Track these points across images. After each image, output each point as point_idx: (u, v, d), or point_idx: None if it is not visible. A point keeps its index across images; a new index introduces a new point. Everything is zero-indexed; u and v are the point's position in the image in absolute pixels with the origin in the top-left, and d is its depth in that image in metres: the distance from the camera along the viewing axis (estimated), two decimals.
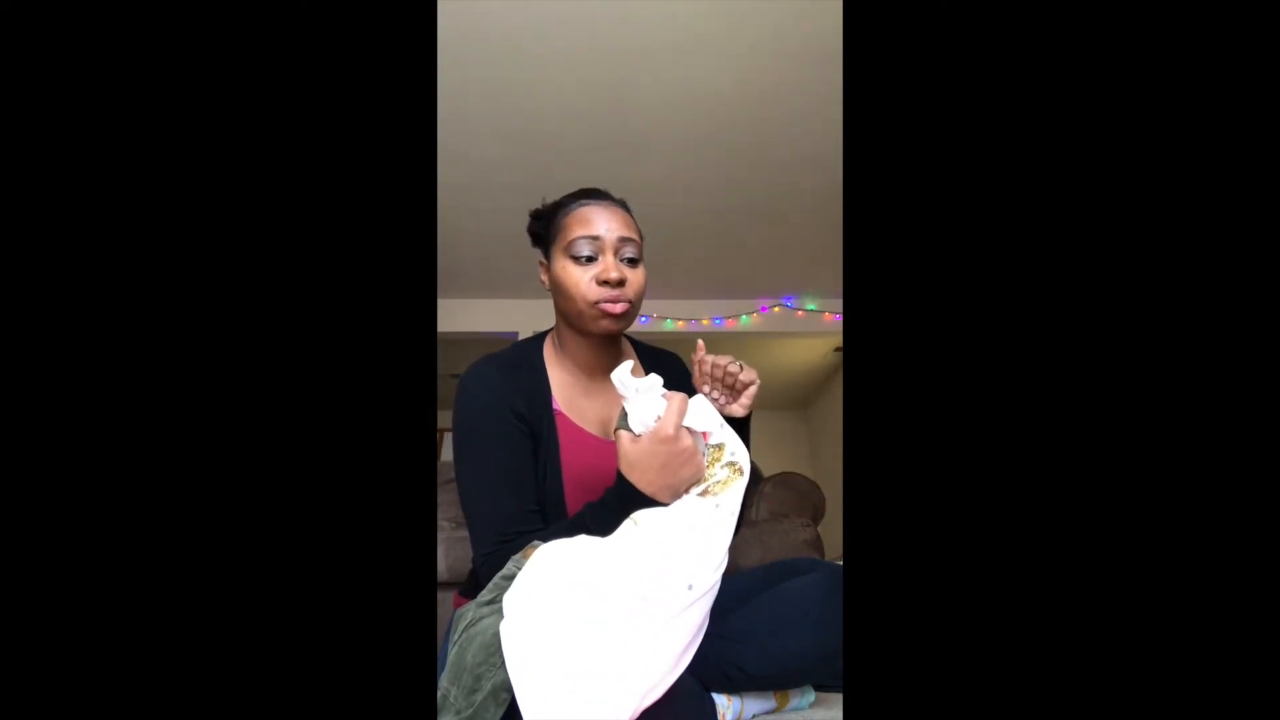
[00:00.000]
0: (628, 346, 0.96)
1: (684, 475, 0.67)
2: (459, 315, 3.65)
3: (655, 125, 2.38)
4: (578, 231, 0.80)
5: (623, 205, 0.87)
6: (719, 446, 0.70)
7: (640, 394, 0.69)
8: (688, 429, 0.68)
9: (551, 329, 0.92)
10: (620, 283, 0.80)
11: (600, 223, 0.81)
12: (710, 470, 0.69)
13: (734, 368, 0.78)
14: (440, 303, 3.56)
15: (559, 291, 0.83)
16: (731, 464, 0.69)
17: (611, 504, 0.70)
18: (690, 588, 0.62)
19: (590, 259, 0.80)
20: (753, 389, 0.79)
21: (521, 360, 0.87)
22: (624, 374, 0.70)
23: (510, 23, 1.90)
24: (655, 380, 0.70)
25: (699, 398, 0.71)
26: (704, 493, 0.68)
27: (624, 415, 0.70)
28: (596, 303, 0.80)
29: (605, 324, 0.81)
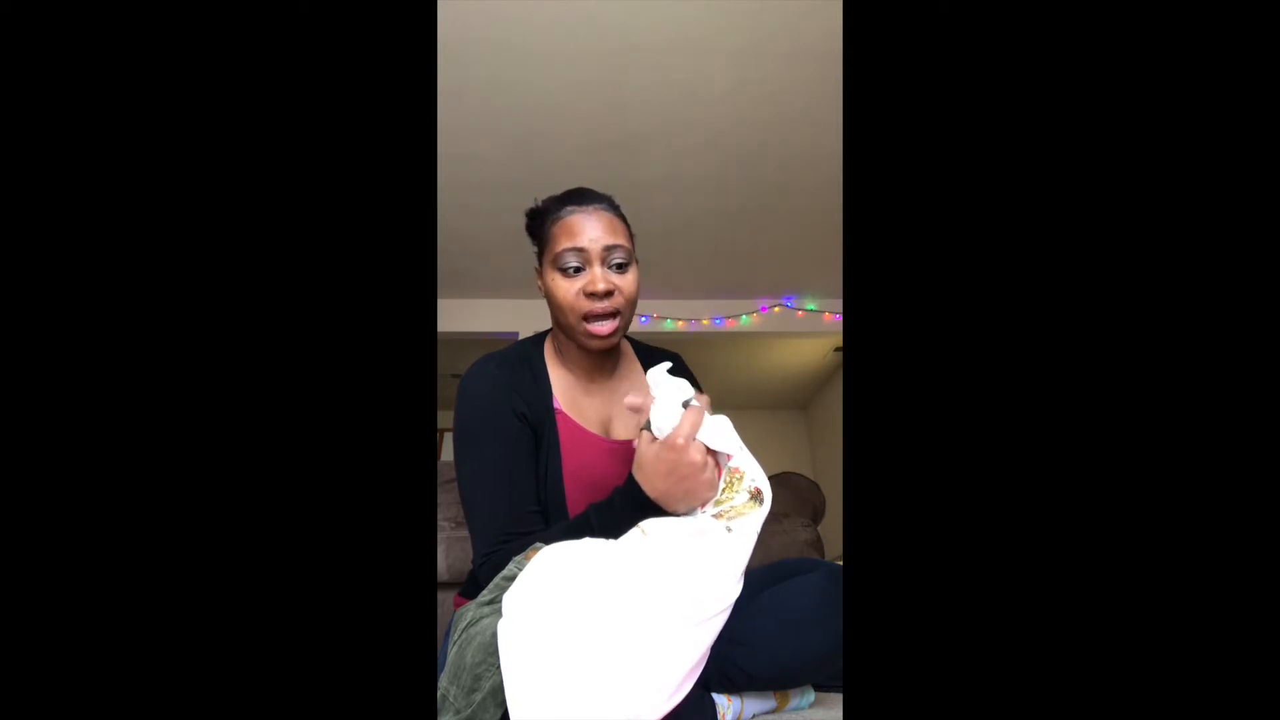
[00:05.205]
0: (627, 348, 0.96)
1: (690, 487, 0.66)
2: (459, 315, 3.65)
3: (655, 125, 2.38)
4: (563, 243, 0.79)
5: (610, 205, 0.84)
6: (740, 472, 0.68)
7: (664, 398, 0.68)
8: (707, 447, 0.67)
9: (552, 329, 0.92)
10: (608, 293, 0.79)
11: (585, 232, 0.79)
12: (727, 493, 0.67)
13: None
14: (440, 303, 3.56)
15: (550, 303, 0.83)
16: (752, 491, 0.67)
17: (617, 504, 0.70)
18: (694, 608, 0.61)
19: (577, 270, 0.79)
20: None
21: (522, 359, 0.87)
22: (659, 374, 0.70)
23: (509, 23, 1.90)
24: (679, 388, 0.69)
25: (721, 418, 0.69)
26: (719, 515, 0.66)
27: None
28: (585, 316, 0.79)
29: (594, 344, 0.81)
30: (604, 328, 0.79)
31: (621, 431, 0.88)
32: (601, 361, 0.88)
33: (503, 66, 2.07)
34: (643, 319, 3.65)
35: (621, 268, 0.81)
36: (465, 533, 1.58)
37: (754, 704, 0.83)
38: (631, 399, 0.71)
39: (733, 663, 0.77)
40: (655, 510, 0.67)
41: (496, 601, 0.66)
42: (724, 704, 0.79)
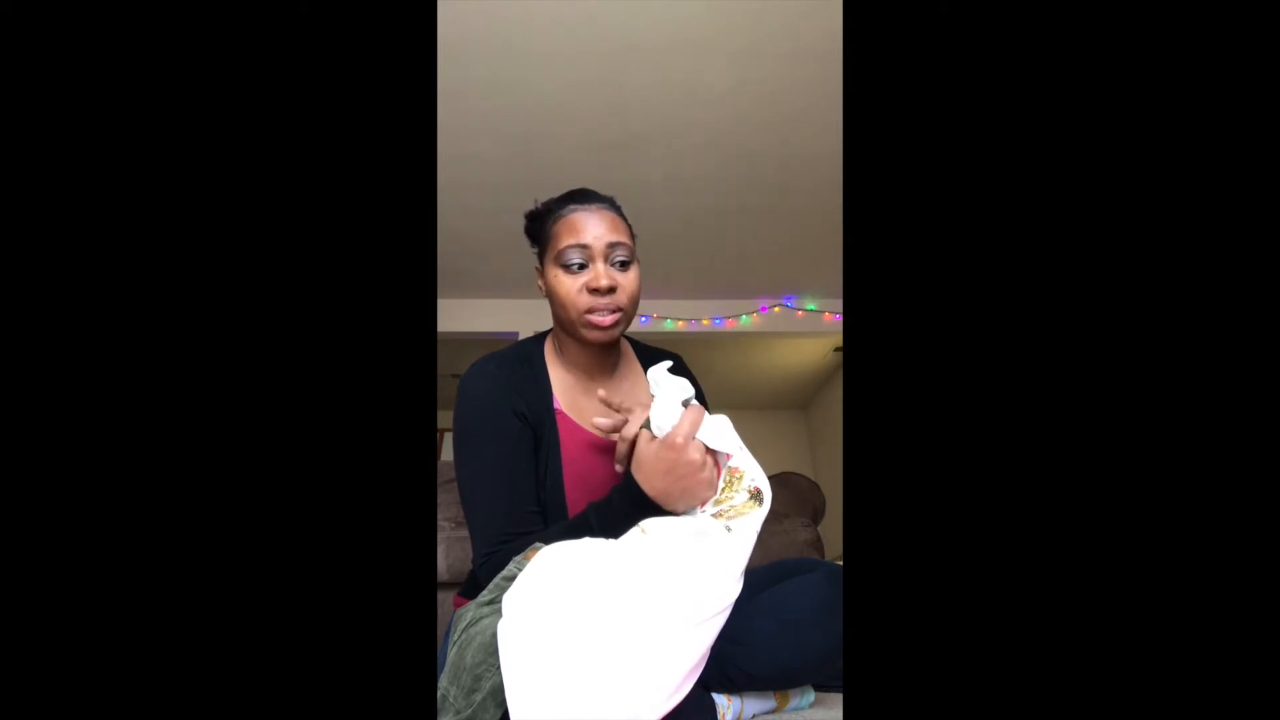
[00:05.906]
0: (627, 348, 0.96)
1: (689, 486, 0.66)
2: (459, 315, 3.65)
3: (655, 125, 2.38)
4: (566, 240, 0.80)
5: (612, 205, 0.85)
6: (739, 471, 0.68)
7: (664, 397, 0.68)
8: (707, 446, 0.67)
9: (552, 329, 0.92)
10: (611, 290, 0.80)
11: (588, 229, 0.80)
12: (726, 493, 0.67)
13: None
14: (440, 303, 3.56)
15: (553, 300, 0.83)
16: (752, 491, 0.67)
17: (616, 503, 0.70)
18: (694, 608, 0.61)
19: (580, 266, 0.80)
20: None
21: (522, 359, 0.87)
22: (659, 373, 0.70)
23: (509, 23, 1.90)
24: (680, 386, 0.69)
25: (721, 417, 0.69)
26: (718, 514, 0.66)
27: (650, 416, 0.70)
28: (587, 312, 0.80)
29: (596, 335, 0.81)
30: (606, 319, 0.80)
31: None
32: (602, 361, 0.89)
33: (503, 66, 2.07)
34: (643, 319, 3.65)
35: (624, 265, 0.81)
36: (465, 533, 1.58)
37: (754, 704, 0.83)
38: (601, 420, 0.77)
39: (733, 663, 0.77)
40: (654, 509, 0.67)
41: (496, 601, 0.66)
42: (724, 704, 0.79)
